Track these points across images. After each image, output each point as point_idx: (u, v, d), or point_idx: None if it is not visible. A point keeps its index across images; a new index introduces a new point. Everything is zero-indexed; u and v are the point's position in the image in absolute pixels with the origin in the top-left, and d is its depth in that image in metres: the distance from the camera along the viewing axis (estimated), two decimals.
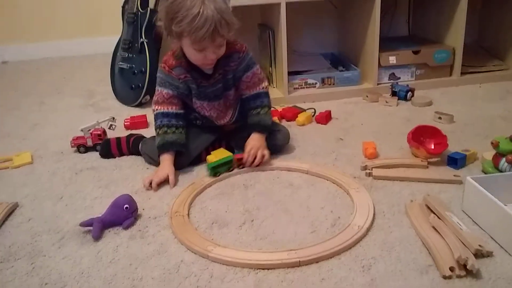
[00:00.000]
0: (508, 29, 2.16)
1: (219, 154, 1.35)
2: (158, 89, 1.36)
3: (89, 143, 1.49)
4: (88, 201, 1.20)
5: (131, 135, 1.50)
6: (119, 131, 1.62)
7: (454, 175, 1.22)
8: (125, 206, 1.08)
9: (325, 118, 1.67)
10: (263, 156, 1.33)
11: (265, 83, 1.42)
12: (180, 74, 1.32)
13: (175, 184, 1.27)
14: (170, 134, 1.33)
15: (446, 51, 2.00)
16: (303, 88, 1.94)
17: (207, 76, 1.34)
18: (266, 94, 1.41)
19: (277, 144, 1.42)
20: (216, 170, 1.29)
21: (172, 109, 1.35)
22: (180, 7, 1.18)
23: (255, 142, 1.35)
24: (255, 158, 1.32)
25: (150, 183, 1.25)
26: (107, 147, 1.45)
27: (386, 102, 1.83)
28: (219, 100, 1.38)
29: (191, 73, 1.33)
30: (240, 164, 1.32)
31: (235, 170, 1.32)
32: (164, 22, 1.24)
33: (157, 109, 1.36)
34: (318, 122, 1.66)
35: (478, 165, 1.29)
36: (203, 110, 1.39)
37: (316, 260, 0.93)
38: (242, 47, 1.35)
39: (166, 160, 1.31)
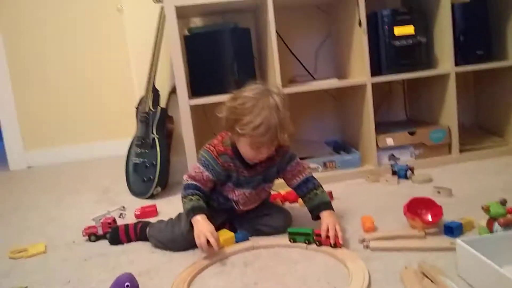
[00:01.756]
0: (503, 106, 2.26)
1: (222, 235, 1.40)
2: (200, 168, 1.39)
3: (100, 231, 1.56)
4: (94, 283, 1.25)
5: (139, 221, 1.57)
6: (130, 221, 1.70)
7: (451, 243, 1.24)
8: (126, 284, 1.12)
9: None
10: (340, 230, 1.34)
11: (309, 169, 1.52)
12: (224, 162, 1.39)
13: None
14: (202, 201, 1.37)
15: (441, 130, 2.09)
16: None
17: (248, 166, 1.41)
18: (314, 177, 1.49)
19: (279, 226, 1.46)
20: (292, 236, 1.36)
21: (204, 188, 1.40)
22: (248, 112, 1.28)
23: (330, 219, 1.36)
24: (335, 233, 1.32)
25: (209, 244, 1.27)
26: (116, 234, 1.52)
27: (387, 181, 1.89)
28: (253, 190, 1.44)
29: (235, 161, 1.40)
30: (318, 240, 1.32)
31: (237, 248, 1.36)
32: (227, 118, 1.34)
33: (191, 181, 1.39)
34: None
35: (475, 233, 1.30)
36: (232, 195, 1.44)
37: None
38: (283, 144, 1.42)
39: (203, 219, 1.33)
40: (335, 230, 1.31)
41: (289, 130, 1.34)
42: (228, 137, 1.41)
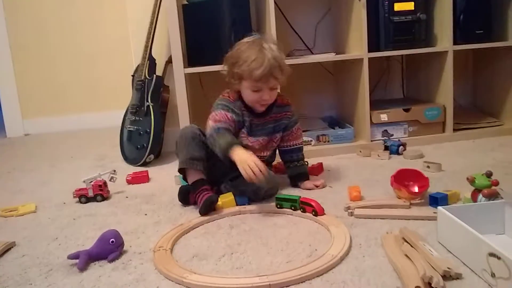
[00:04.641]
0: (500, 88, 2.25)
1: (222, 197, 1.42)
2: (222, 112, 1.47)
3: (90, 193, 1.58)
4: (80, 240, 1.27)
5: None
6: (121, 186, 1.73)
7: (434, 212, 1.24)
8: (111, 240, 1.13)
9: (316, 169, 1.73)
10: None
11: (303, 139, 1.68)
12: (240, 107, 1.50)
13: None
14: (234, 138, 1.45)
15: (436, 108, 2.09)
16: None
17: (258, 115, 1.53)
18: (303, 149, 1.66)
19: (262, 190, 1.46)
20: (279, 202, 1.38)
21: (231, 128, 1.46)
22: (242, 53, 1.42)
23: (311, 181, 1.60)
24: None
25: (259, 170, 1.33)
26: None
27: (378, 156, 1.89)
28: (265, 137, 1.56)
29: (246, 107, 1.51)
30: (303, 207, 1.34)
31: (224, 212, 1.38)
32: (227, 67, 1.47)
33: (218, 124, 1.44)
34: (310, 174, 1.72)
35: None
36: (247, 141, 1.52)
37: (287, 284, 0.95)
38: (290, 102, 1.60)
39: (243, 150, 1.38)
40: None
41: (286, 70, 1.44)
42: (234, 91, 1.51)
